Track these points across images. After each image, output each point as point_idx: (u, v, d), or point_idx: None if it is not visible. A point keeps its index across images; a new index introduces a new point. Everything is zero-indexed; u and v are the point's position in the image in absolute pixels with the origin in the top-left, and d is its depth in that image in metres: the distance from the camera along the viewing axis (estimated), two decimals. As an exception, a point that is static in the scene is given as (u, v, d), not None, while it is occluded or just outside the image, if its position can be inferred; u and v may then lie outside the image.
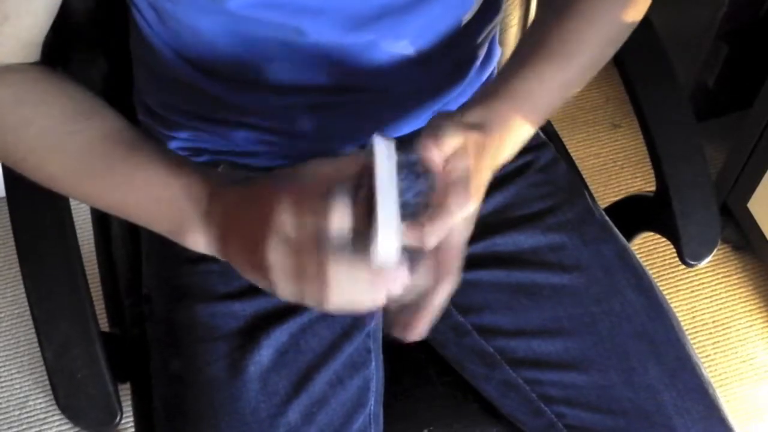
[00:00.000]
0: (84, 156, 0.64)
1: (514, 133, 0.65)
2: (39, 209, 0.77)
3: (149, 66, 0.79)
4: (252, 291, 0.77)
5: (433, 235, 0.56)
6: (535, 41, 0.70)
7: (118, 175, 0.64)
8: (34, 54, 0.69)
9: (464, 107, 0.64)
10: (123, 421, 0.73)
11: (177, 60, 0.75)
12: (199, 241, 0.61)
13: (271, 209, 0.54)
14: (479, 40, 0.81)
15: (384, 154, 0.55)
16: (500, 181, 0.83)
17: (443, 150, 0.58)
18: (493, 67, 0.88)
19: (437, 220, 0.56)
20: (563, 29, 0.70)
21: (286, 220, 0.53)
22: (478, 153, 0.60)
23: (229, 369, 0.73)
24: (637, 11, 0.73)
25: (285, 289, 0.55)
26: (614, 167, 1.69)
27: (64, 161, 0.65)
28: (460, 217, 0.57)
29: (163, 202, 0.62)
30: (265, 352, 0.74)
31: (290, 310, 0.76)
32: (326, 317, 0.77)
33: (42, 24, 0.67)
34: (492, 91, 0.66)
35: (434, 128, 0.59)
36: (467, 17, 0.77)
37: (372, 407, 0.78)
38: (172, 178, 0.62)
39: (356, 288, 0.53)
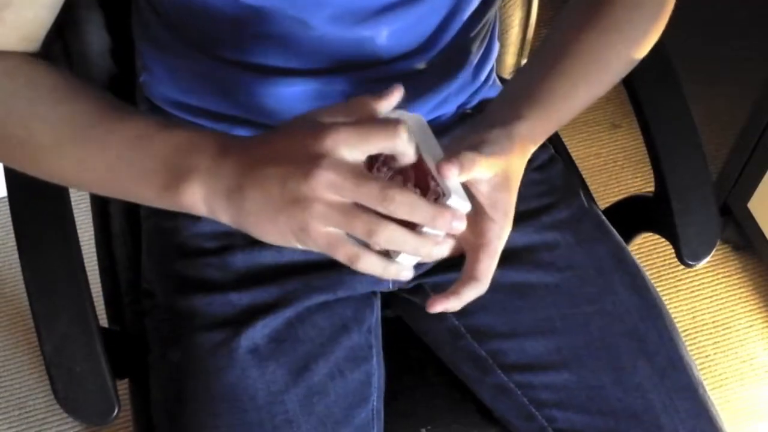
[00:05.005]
0: (72, 121, 0.62)
1: (532, 150, 0.67)
2: (40, 206, 0.77)
3: (154, 55, 0.79)
4: (247, 282, 0.77)
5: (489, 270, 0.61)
6: (565, 57, 0.71)
7: (109, 135, 0.61)
8: (33, 49, 0.68)
9: (488, 130, 0.64)
10: (120, 416, 0.73)
11: (183, 43, 0.75)
12: (196, 193, 0.57)
13: (323, 135, 0.52)
14: (473, 33, 0.81)
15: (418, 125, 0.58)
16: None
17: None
18: (492, 63, 0.88)
19: (486, 256, 0.60)
20: (593, 47, 0.71)
21: (342, 141, 0.52)
22: (513, 183, 0.62)
23: (226, 357, 0.74)
24: (658, 31, 0.74)
25: (322, 225, 0.52)
26: (614, 167, 1.69)
27: (52, 129, 0.63)
28: (502, 245, 0.61)
29: (158, 157, 0.59)
30: (261, 341, 0.74)
31: (285, 301, 0.76)
32: (323, 308, 0.78)
33: (43, 19, 0.67)
34: (518, 111, 0.67)
35: (464, 158, 0.58)
36: (464, 12, 0.77)
37: (374, 403, 0.78)
38: (167, 133, 0.60)
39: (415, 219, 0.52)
